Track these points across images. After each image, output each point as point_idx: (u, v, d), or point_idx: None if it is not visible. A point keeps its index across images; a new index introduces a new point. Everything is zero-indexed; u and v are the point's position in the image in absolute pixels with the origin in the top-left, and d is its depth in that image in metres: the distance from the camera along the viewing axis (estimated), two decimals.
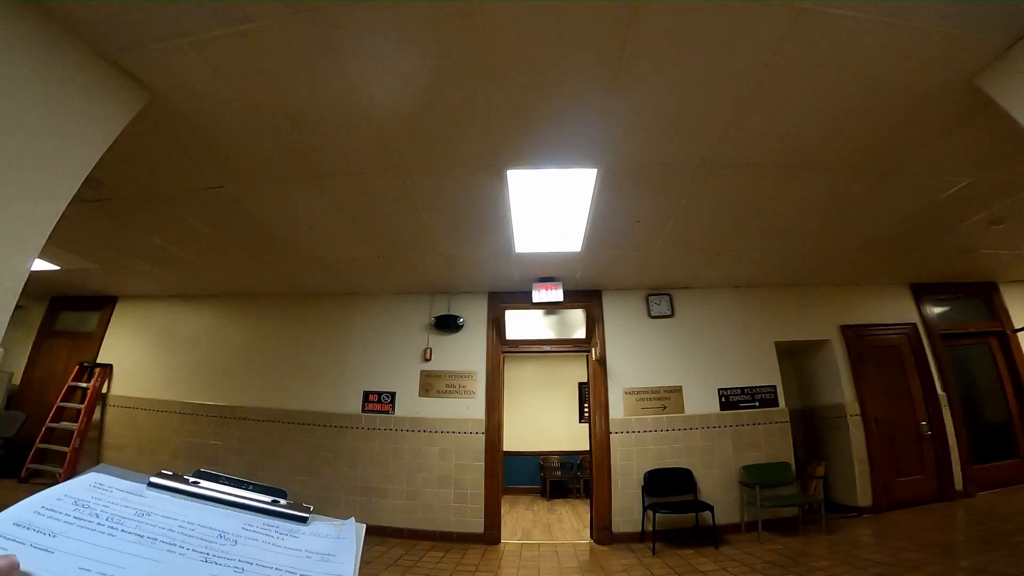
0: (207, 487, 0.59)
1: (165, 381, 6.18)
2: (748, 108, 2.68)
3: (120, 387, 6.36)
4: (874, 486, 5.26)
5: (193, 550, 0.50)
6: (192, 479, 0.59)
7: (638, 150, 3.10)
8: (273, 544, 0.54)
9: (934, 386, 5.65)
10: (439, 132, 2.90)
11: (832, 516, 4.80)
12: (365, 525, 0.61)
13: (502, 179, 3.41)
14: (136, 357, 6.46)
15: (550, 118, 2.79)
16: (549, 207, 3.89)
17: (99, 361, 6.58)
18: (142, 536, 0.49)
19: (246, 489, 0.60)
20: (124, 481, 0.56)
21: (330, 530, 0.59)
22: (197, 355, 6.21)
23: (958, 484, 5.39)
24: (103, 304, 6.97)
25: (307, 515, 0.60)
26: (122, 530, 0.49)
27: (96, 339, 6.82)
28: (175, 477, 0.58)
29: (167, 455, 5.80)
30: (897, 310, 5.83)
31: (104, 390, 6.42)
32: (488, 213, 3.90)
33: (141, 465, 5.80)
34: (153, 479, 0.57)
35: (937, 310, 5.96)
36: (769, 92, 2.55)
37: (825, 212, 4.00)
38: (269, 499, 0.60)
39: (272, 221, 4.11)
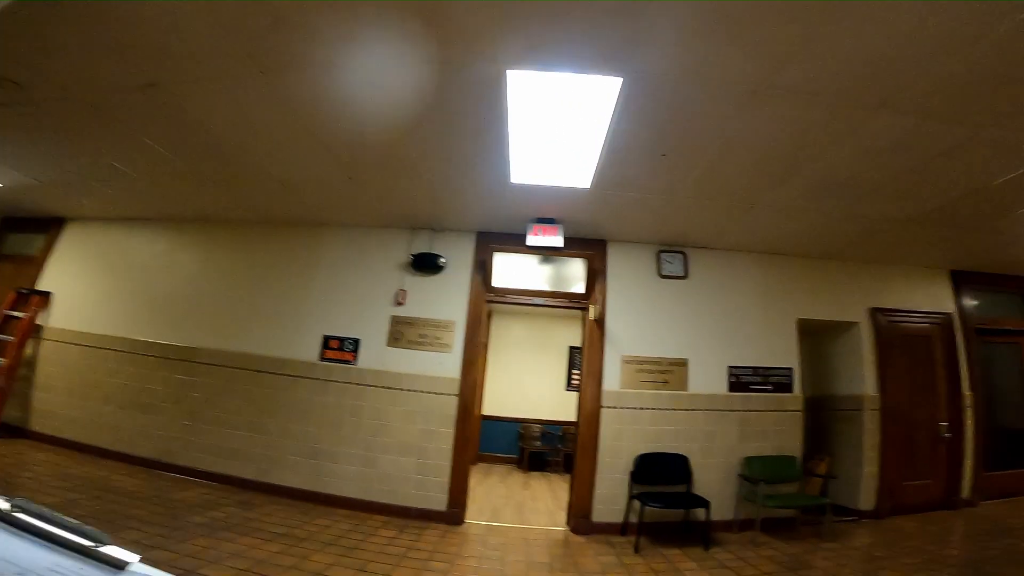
0: (21, 517, 0.51)
1: (105, 313, 5.15)
2: (830, 21, 2.00)
3: (58, 319, 5.33)
4: (880, 488, 4.48)
5: None
6: (9, 503, 0.53)
7: (678, 59, 2.30)
8: None
9: (960, 384, 4.80)
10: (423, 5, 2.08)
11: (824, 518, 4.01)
12: None
13: (500, 80, 2.53)
14: (78, 285, 5.42)
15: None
16: (556, 126, 2.95)
17: (38, 288, 5.52)
18: None
19: (66, 528, 0.51)
20: None
21: None
22: (143, 285, 5.16)
23: (965, 492, 4.66)
24: (50, 226, 5.89)
25: (126, 563, 0.50)
26: None
27: (39, 264, 5.75)
28: None
29: (99, 399, 4.82)
30: (934, 297, 4.91)
31: (40, 321, 5.37)
32: (482, 126, 2.99)
33: (72, 410, 4.82)
34: None
35: (975, 302, 5.06)
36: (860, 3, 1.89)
37: (891, 169, 3.13)
38: (89, 543, 0.51)
39: (219, 129, 3.29)
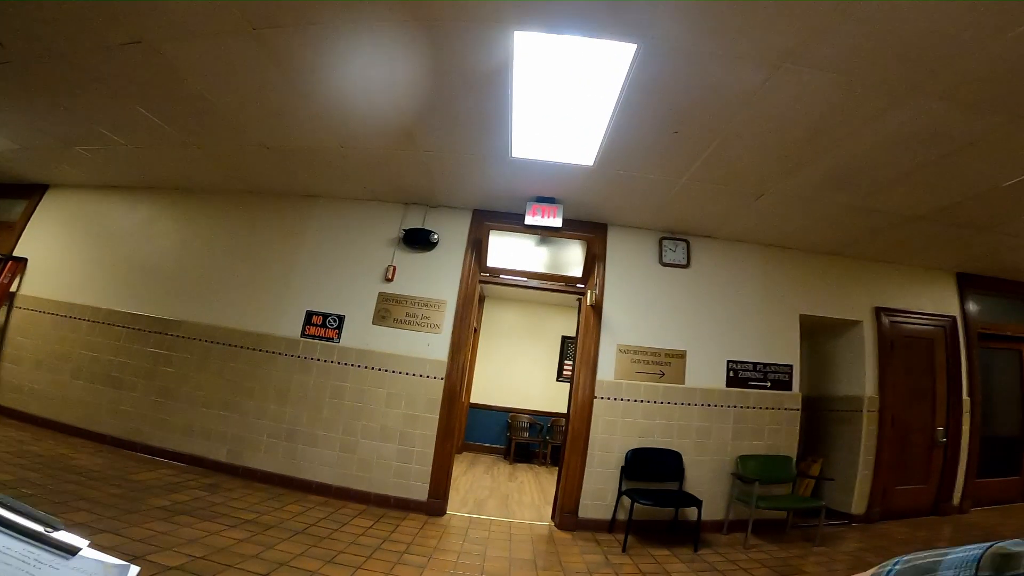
0: None
1: (81, 281, 4.78)
2: None
3: (32, 286, 4.94)
4: (872, 492, 4.26)
5: None
6: None
7: (700, 25, 2.04)
8: (26, 574, 0.45)
9: (960, 389, 4.57)
10: None
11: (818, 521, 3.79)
12: (140, 568, 0.51)
13: (507, 42, 2.26)
14: (55, 251, 5.04)
15: None
16: (562, 97, 2.67)
17: (14, 254, 5.14)
18: None
19: (16, 512, 0.49)
20: None
21: (98, 570, 0.49)
22: (121, 253, 4.78)
23: (955, 498, 4.47)
24: (32, 192, 5.51)
25: (77, 549, 0.49)
26: None
27: (17, 229, 5.37)
28: None
29: (68, 373, 4.45)
30: (938, 299, 4.65)
31: (14, 288, 5.00)
32: (484, 93, 2.70)
33: (38, 382, 4.44)
34: None
35: (979, 306, 4.82)
36: None
37: (909, 162, 2.88)
38: (40, 527, 0.49)
39: (205, 90, 2.99)
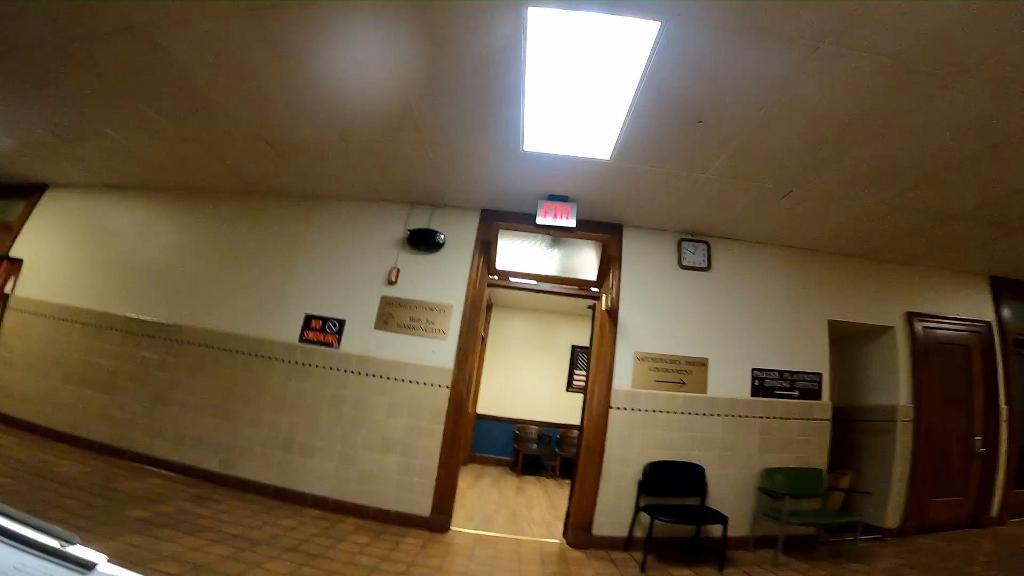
0: None
1: (76, 283, 4.61)
2: None
3: (27, 287, 4.78)
4: (907, 505, 3.97)
5: None
6: None
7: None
8: None
9: (997, 397, 4.28)
10: None
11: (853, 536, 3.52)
12: None
13: (520, 20, 2.09)
14: (51, 252, 4.89)
15: None
16: (578, 83, 2.47)
17: (10, 255, 5.00)
18: None
19: (32, 527, 0.48)
20: None
21: None
22: (117, 255, 4.61)
23: (994, 509, 4.18)
24: (31, 192, 5.38)
25: (94, 564, 0.49)
26: None
27: (15, 229, 5.24)
28: None
29: (59, 377, 4.26)
30: (972, 304, 4.38)
31: (8, 289, 4.85)
32: (495, 78, 2.52)
33: (29, 387, 4.26)
34: None
35: (1014, 312, 4.54)
36: None
37: (950, 155, 2.67)
38: (56, 542, 0.48)
39: (202, 79, 2.86)
